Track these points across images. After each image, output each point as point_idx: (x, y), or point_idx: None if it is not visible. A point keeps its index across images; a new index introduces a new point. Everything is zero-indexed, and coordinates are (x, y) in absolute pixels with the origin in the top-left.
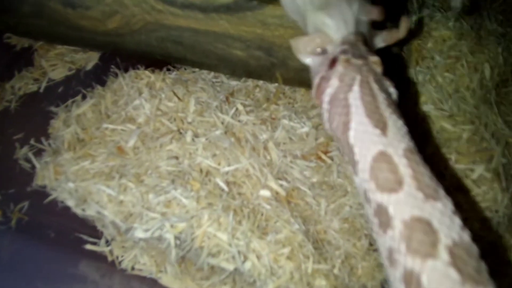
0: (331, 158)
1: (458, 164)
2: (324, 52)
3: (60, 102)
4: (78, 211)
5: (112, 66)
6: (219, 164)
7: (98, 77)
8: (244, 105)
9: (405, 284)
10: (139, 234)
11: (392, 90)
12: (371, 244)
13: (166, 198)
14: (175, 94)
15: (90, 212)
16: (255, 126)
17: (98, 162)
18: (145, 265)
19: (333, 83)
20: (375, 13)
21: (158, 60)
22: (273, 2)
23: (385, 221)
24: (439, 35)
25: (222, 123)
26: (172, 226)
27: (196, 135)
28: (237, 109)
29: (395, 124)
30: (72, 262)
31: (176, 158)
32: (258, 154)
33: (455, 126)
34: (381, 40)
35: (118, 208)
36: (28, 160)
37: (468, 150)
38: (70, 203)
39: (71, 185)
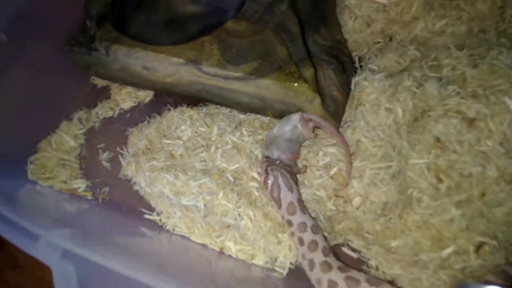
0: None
1: (371, 170)
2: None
3: (131, 124)
4: (147, 189)
5: (168, 103)
6: (228, 165)
7: (153, 108)
8: (247, 131)
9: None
10: (184, 202)
11: (290, 169)
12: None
13: (200, 183)
14: (205, 123)
15: (154, 190)
16: (252, 145)
17: (160, 162)
18: (181, 228)
19: (270, 178)
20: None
21: (193, 99)
22: (263, 77)
23: (288, 221)
24: (369, 90)
25: (232, 142)
26: (203, 198)
27: (216, 148)
28: (242, 133)
29: (295, 187)
30: (136, 225)
31: (205, 161)
32: (251, 160)
33: (375, 147)
34: (297, 170)
35: (172, 188)
36: (107, 161)
37: (379, 162)
38: (143, 184)
39: (147, 173)
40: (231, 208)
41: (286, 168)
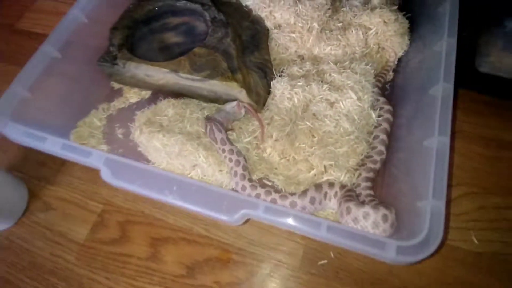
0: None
1: (276, 132)
2: None
3: (137, 111)
4: (146, 144)
5: (160, 97)
6: (193, 129)
7: (151, 102)
8: (208, 112)
9: None
10: (167, 150)
11: (220, 121)
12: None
13: (176, 139)
14: (182, 108)
15: (151, 145)
16: None
17: (154, 128)
18: (165, 168)
19: (208, 126)
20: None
21: (176, 94)
22: (212, 79)
23: (222, 149)
24: (278, 87)
25: (197, 117)
26: (178, 147)
27: (187, 121)
28: (204, 113)
29: (224, 130)
30: None
31: (180, 128)
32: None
33: (280, 120)
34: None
35: (161, 142)
36: (121, 134)
37: (281, 128)
38: (144, 142)
39: (146, 135)
40: (193, 151)
41: (218, 120)
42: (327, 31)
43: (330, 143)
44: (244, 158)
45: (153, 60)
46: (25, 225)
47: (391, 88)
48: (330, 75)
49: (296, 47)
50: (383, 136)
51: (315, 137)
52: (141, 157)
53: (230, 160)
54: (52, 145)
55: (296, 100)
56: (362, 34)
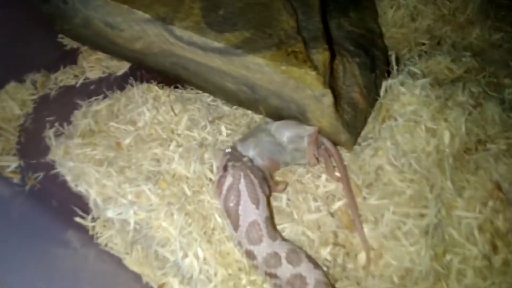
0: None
1: (394, 215)
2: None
3: (87, 98)
4: (72, 185)
5: (130, 78)
6: (188, 171)
7: (123, 83)
8: (226, 128)
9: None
10: (109, 214)
11: (262, 174)
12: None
13: (138, 190)
14: (173, 109)
15: (80, 188)
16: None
17: (97, 151)
18: (116, 245)
19: (228, 179)
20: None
21: (171, 78)
22: (253, 53)
23: (248, 252)
24: (405, 99)
25: (202, 139)
26: (135, 213)
27: (178, 145)
28: (219, 130)
29: (264, 200)
30: (62, 229)
31: (158, 160)
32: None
33: (402, 182)
34: (271, 183)
35: (100, 190)
36: (51, 139)
37: (406, 205)
38: (68, 178)
39: (71, 164)
40: (173, 237)
41: (257, 172)
42: None
43: None
44: (310, 261)
45: None
46: None
47: None
48: None
49: (435, 16)
50: None
51: (498, 253)
52: (76, 198)
53: (273, 276)
54: None
55: (447, 136)
56: None
